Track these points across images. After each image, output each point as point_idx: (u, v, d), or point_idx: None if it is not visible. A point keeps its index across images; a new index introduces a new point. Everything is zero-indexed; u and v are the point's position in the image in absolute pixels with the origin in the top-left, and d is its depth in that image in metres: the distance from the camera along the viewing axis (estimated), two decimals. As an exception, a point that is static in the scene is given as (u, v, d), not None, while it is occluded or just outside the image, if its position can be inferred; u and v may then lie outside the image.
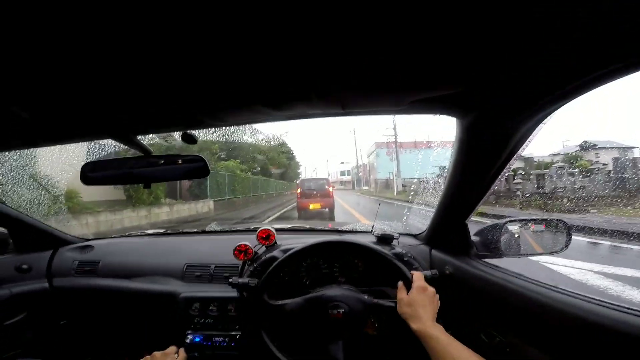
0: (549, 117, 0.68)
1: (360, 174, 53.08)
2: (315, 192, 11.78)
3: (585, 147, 14.90)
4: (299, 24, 0.40)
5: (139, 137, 0.86)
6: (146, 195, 10.11)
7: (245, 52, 0.47)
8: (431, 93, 0.64)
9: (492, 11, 0.38)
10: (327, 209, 11.54)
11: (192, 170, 0.89)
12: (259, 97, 0.65)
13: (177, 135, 0.86)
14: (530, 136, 0.76)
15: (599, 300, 0.68)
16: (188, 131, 0.80)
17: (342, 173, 73.23)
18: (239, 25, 0.40)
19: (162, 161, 0.87)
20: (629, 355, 0.59)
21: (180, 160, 0.88)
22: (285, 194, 28.60)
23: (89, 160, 0.91)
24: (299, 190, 12.60)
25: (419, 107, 0.72)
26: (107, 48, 0.45)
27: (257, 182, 19.81)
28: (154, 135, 1.00)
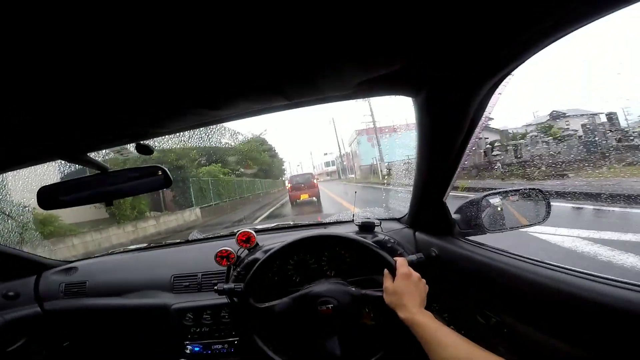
0: (502, 86, 0.67)
1: (344, 163, 53.08)
2: (303, 185, 14.09)
3: (555, 116, 15.26)
4: (223, 13, 0.37)
5: (92, 155, 0.82)
6: (130, 211, 9.96)
7: (173, 54, 0.44)
8: (376, 72, 0.62)
9: None
10: (314, 198, 13.69)
11: (153, 181, 0.85)
12: (196, 101, 0.62)
13: (131, 147, 0.82)
14: (488, 106, 0.74)
15: (585, 273, 0.67)
16: (140, 142, 0.77)
17: (327, 164, 72.84)
18: (162, 24, 0.37)
19: (121, 176, 0.84)
20: (616, 327, 0.58)
21: (139, 173, 0.84)
22: (272, 192, 27.88)
23: (43, 185, 0.86)
24: (289, 185, 15.22)
25: (368, 90, 0.70)
26: (46, 64, 0.42)
27: (242, 183, 19.15)
28: (108, 151, 0.96)
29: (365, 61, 0.57)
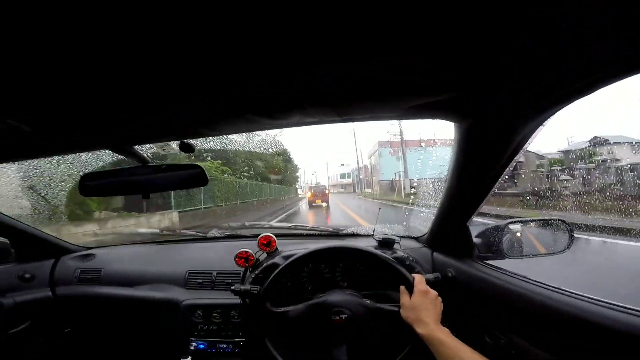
0: (548, 120, 0.69)
1: (361, 176, 50.27)
2: (319, 194, 20.25)
3: (597, 142, 13.98)
4: (292, 31, 0.40)
5: (136, 147, 0.87)
6: (73, 207, 7.60)
7: (238, 62, 0.48)
8: (427, 99, 0.65)
9: (484, 18, 0.39)
10: (325, 203, 19.47)
11: (190, 178, 0.90)
12: (253, 106, 0.65)
13: (174, 144, 0.87)
14: (530, 138, 0.76)
15: (603, 301, 0.69)
16: (185, 140, 0.82)
17: (342, 176, 70.02)
18: (231, 35, 0.41)
19: (160, 170, 0.89)
20: (633, 357, 0.59)
21: (177, 169, 0.89)
22: (282, 199, 25.96)
23: (86, 171, 0.92)
24: (309, 193, 21.50)
25: (416, 113, 0.73)
26: (103, 60, 0.46)
27: (246, 186, 16.99)
28: (151, 145, 1.02)
29: (419, 88, 0.60)
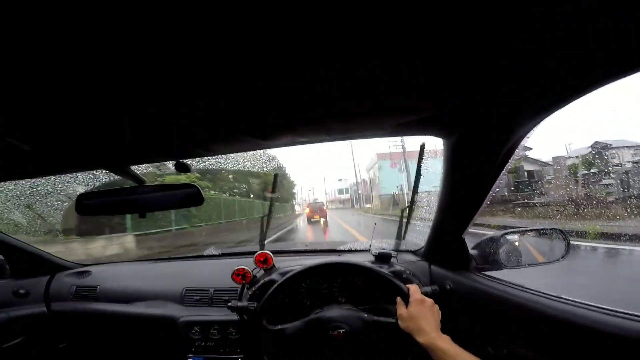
0: (533, 130, 0.71)
1: (360, 191, 49.14)
2: (317, 210, 21.39)
3: (599, 147, 13.49)
4: (281, 54, 0.42)
5: (132, 167, 0.89)
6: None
7: (230, 85, 0.50)
8: (413, 117, 0.68)
9: (461, 40, 0.41)
10: (323, 218, 20.50)
11: (185, 198, 0.91)
12: (247, 128, 0.68)
13: (170, 164, 0.89)
14: (517, 150, 0.79)
15: (602, 308, 0.70)
16: (181, 160, 0.84)
17: (340, 191, 68.80)
18: (226, 61, 0.43)
19: (156, 190, 0.91)
20: None
21: (173, 189, 0.91)
22: (277, 216, 23.19)
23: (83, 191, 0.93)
24: (308, 209, 22.57)
25: (403, 130, 0.76)
26: (101, 82, 0.47)
27: (232, 204, 15.85)
28: (147, 165, 1.04)
29: (404, 107, 0.63)
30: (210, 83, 0.49)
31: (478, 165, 0.86)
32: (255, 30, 0.36)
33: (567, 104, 0.58)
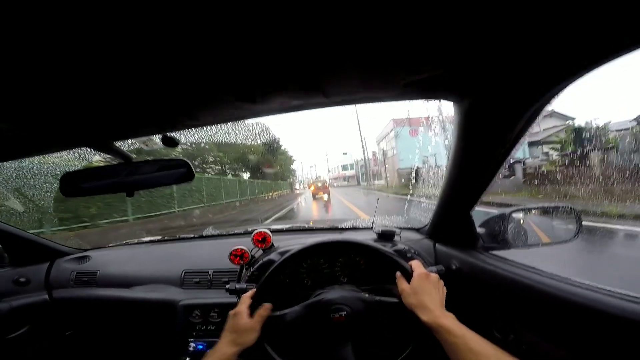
0: (554, 98, 0.65)
1: (371, 166, 42.31)
2: (320, 186, 23.05)
3: None
4: (268, 4, 0.38)
5: (118, 144, 0.86)
6: None
7: (213, 42, 0.45)
8: (421, 75, 0.61)
9: None
10: (326, 195, 21.77)
11: (175, 174, 0.88)
12: (233, 90, 0.62)
13: (157, 139, 0.85)
14: (537, 119, 0.72)
15: (615, 292, 0.66)
16: (168, 134, 0.80)
17: (345, 167, 63.83)
18: (205, 13, 0.39)
19: (144, 167, 0.87)
20: None
21: (162, 165, 0.87)
22: (267, 199, 22.44)
23: (67, 171, 0.90)
24: (312, 187, 24.42)
25: (410, 93, 0.69)
26: (77, 54, 0.44)
27: (210, 183, 13.87)
28: (133, 141, 1.00)
29: (412, 62, 0.57)
30: (190, 39, 0.45)
31: (492, 135, 0.80)
32: None
33: (599, 66, 0.52)
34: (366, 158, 40.74)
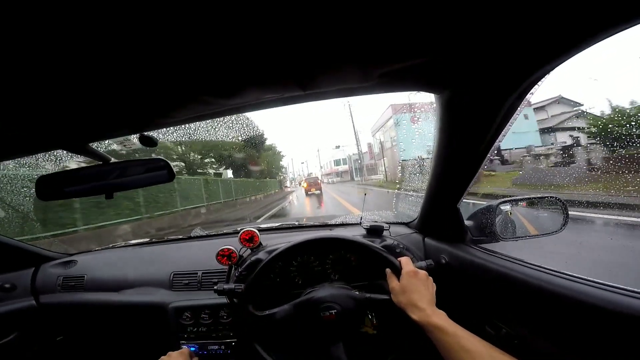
0: (536, 87, 0.65)
1: (367, 160, 39.23)
2: (313, 183, 24.13)
3: None
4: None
5: (94, 145, 0.84)
6: None
7: (185, 36, 0.44)
8: (398, 65, 0.60)
9: None
10: (319, 191, 22.91)
11: (154, 174, 0.87)
12: (202, 86, 0.61)
13: (134, 139, 0.84)
14: (518, 108, 0.73)
15: (608, 285, 0.66)
16: (145, 133, 0.78)
17: (337, 162, 60.22)
18: (175, 6, 0.38)
19: (121, 168, 0.86)
20: None
21: (141, 166, 0.86)
22: (253, 199, 19.60)
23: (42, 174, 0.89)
24: (305, 184, 25.24)
25: (389, 83, 0.69)
26: (47, 51, 0.43)
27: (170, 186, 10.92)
28: (110, 142, 0.98)
29: (388, 51, 0.56)
30: (161, 36, 0.44)
31: (474, 126, 0.80)
32: None
33: (579, 51, 0.52)
34: (360, 151, 37.30)
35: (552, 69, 0.59)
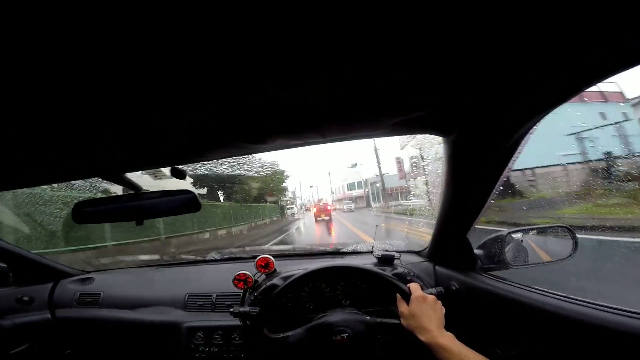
0: (534, 127, 0.73)
1: (398, 180, 30.66)
2: (322, 209, 23.61)
3: None
4: (277, 64, 0.45)
5: (128, 175, 0.94)
6: None
7: (226, 94, 0.53)
8: (407, 116, 0.69)
9: (458, 40, 0.43)
10: (328, 217, 22.41)
11: (182, 204, 0.96)
12: (240, 134, 0.71)
13: (166, 170, 0.93)
14: (520, 146, 0.80)
15: (616, 308, 0.70)
16: (176, 166, 0.88)
17: (351, 186, 51.89)
18: (221, 69, 0.45)
19: (153, 197, 0.95)
20: None
21: (170, 196, 0.95)
22: (243, 229, 15.17)
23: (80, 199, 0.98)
24: (315, 210, 24.83)
25: (399, 130, 0.78)
26: (95, 92, 0.49)
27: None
28: (142, 172, 1.08)
29: (398, 106, 0.65)
30: (203, 91, 0.52)
31: (479, 164, 0.88)
32: (250, 37, 0.38)
33: (569, 99, 0.60)
34: (380, 172, 28.78)
35: (549, 112, 0.66)
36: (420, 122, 0.74)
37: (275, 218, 24.65)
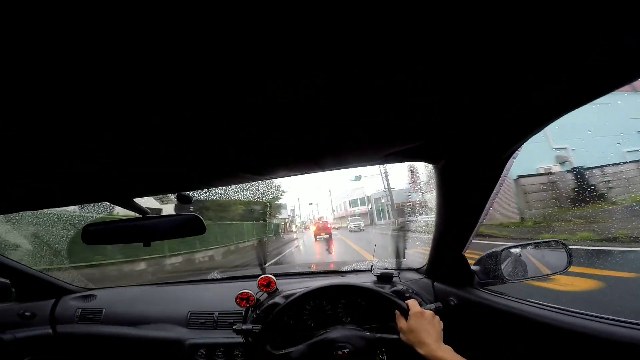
0: (518, 151, 0.79)
1: (409, 192, 22.22)
2: (321, 227, 23.92)
3: None
4: (274, 101, 0.49)
5: (136, 199, 0.99)
6: None
7: (229, 129, 0.58)
8: (399, 147, 0.76)
9: (439, 74, 0.46)
10: (327, 235, 22.63)
11: (188, 227, 1.01)
12: (243, 166, 0.78)
13: (172, 195, 0.99)
14: (504, 170, 0.86)
15: (613, 319, 0.74)
16: (182, 193, 0.94)
17: (354, 203, 47.89)
18: (223, 107, 0.49)
19: (159, 221, 1.00)
20: None
21: (175, 220, 1.01)
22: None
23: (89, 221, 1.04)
24: (315, 228, 24.99)
25: (392, 159, 0.84)
26: (105, 119, 0.50)
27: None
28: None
29: (390, 140, 0.72)
30: (208, 125, 0.56)
31: (468, 187, 0.94)
32: (249, 73, 0.40)
33: (550, 122, 0.65)
34: (388, 186, 25.56)
35: (532, 135, 0.72)
36: (412, 152, 0.81)
37: (271, 238, 22.18)
